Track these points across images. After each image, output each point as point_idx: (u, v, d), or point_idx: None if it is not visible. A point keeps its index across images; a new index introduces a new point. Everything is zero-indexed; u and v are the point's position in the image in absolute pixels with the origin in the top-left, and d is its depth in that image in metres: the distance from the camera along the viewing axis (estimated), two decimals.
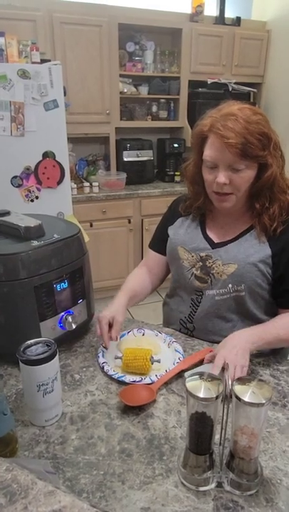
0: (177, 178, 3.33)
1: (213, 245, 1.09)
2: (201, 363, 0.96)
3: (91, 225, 2.93)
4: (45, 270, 0.91)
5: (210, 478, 0.66)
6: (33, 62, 2.31)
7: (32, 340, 0.76)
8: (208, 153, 0.99)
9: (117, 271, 3.08)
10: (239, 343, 0.91)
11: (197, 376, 0.64)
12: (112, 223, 3.01)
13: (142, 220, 3.10)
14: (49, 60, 2.40)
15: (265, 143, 0.96)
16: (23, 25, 2.56)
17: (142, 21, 2.93)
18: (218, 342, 1.06)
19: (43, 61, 2.35)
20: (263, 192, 1.01)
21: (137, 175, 3.24)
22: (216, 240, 1.10)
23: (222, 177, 0.97)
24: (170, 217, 1.21)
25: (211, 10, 3.22)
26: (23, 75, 2.23)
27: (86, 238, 2.71)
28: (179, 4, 3.17)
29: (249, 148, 0.93)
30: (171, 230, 1.18)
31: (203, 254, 1.09)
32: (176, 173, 3.31)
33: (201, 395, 0.61)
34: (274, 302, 1.07)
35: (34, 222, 0.95)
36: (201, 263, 1.09)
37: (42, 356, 0.72)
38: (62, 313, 0.98)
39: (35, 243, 0.91)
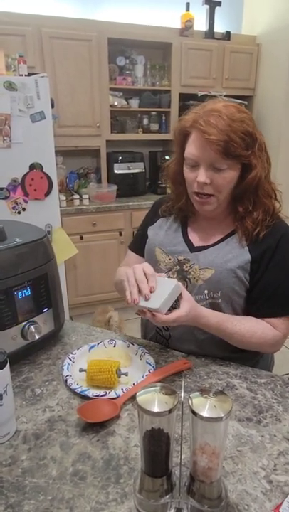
0: (169, 191, 3.29)
1: (192, 249, 1.03)
2: (172, 376, 0.89)
3: (81, 238, 2.89)
4: (5, 276, 0.86)
5: (168, 504, 0.59)
6: (21, 75, 2.31)
7: None
8: (189, 150, 0.94)
9: (109, 284, 2.99)
10: (195, 310, 0.90)
11: (151, 389, 0.58)
12: (103, 236, 2.97)
13: (133, 232, 3.05)
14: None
15: (249, 142, 0.91)
16: (12, 39, 2.58)
17: (131, 36, 2.95)
18: (194, 352, 1.00)
19: (31, 75, 2.35)
20: (246, 195, 0.96)
21: (129, 187, 3.21)
22: (196, 244, 1.04)
23: (203, 176, 0.92)
24: (152, 217, 1.17)
25: (200, 25, 3.25)
26: (10, 86, 2.22)
27: (75, 251, 2.69)
28: (169, 19, 3.21)
29: (232, 147, 0.88)
30: (151, 231, 1.13)
31: (181, 257, 1.03)
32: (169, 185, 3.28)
33: (156, 409, 0.55)
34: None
35: None
36: (178, 267, 1.03)
37: None
38: (25, 323, 0.92)
39: None
